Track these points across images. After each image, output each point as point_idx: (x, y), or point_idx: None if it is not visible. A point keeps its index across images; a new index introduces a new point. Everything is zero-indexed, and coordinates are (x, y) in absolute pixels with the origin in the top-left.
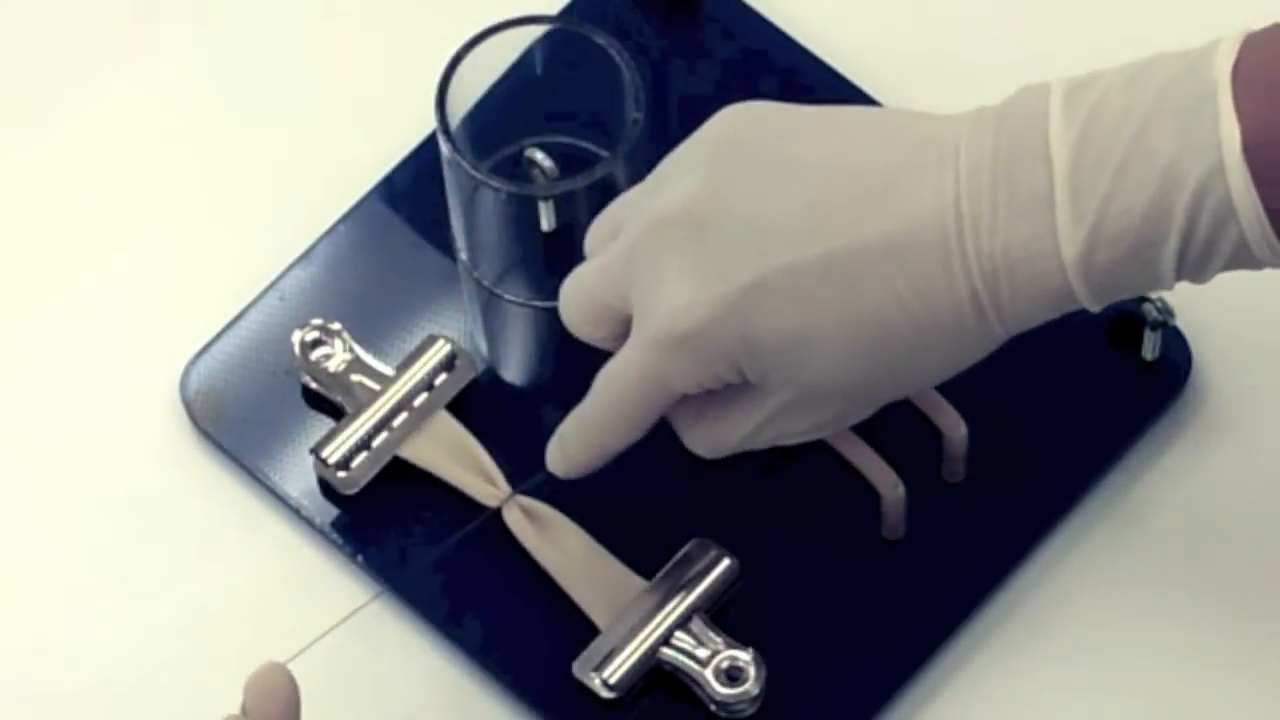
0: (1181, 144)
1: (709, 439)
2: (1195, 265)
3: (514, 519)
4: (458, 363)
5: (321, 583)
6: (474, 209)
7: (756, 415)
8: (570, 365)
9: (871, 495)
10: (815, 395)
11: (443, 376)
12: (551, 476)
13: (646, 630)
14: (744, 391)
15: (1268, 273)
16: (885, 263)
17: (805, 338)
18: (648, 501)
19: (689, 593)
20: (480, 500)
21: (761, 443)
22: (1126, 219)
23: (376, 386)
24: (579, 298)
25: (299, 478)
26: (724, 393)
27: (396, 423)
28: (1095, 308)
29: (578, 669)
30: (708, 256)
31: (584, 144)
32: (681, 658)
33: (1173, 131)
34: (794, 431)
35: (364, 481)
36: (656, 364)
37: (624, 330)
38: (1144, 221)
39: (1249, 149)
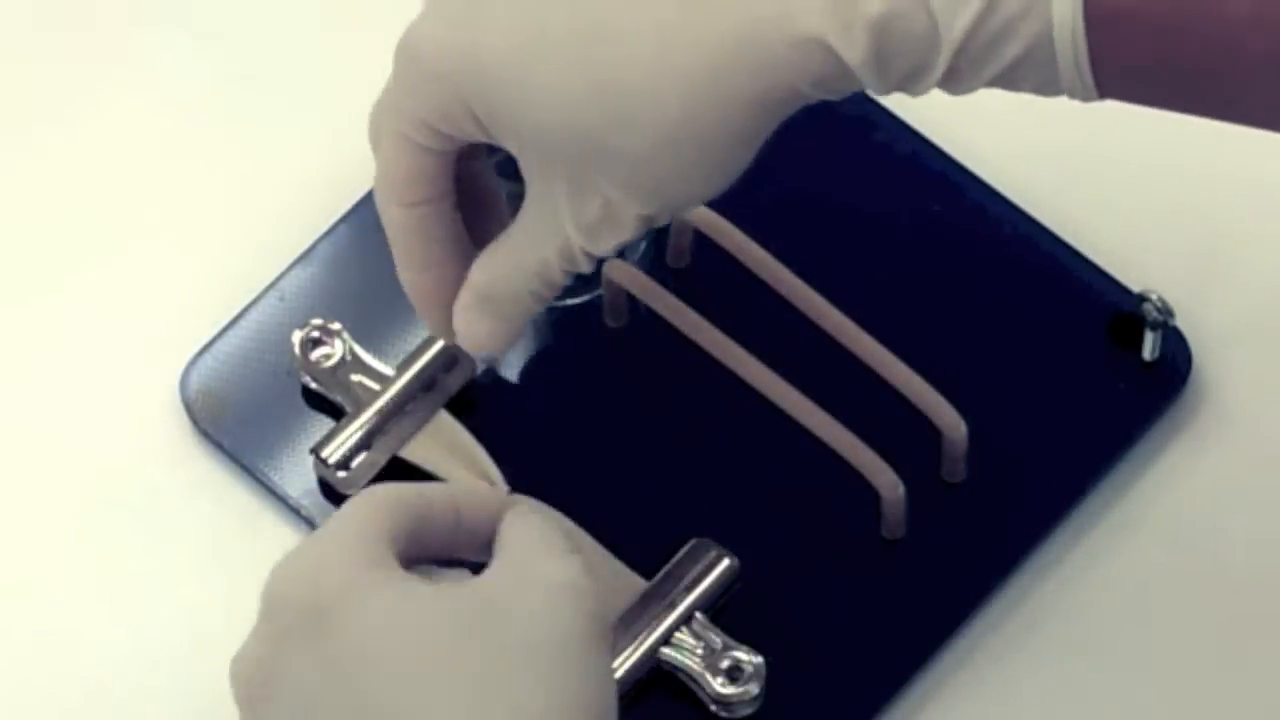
0: None
1: (482, 271)
2: (982, 48)
3: None
4: (458, 363)
5: None
6: None
7: (547, 217)
8: (570, 365)
9: (871, 495)
10: (547, 149)
11: (443, 376)
12: (550, 474)
13: (646, 630)
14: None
15: (1268, 273)
16: None
17: (532, 54)
18: (648, 501)
19: (689, 592)
20: None
21: (531, 264)
22: None
23: (376, 386)
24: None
25: (299, 478)
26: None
27: (396, 423)
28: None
29: None
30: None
31: None
32: (681, 657)
33: None
34: (553, 240)
35: (364, 481)
36: (393, 98)
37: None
38: None
39: None
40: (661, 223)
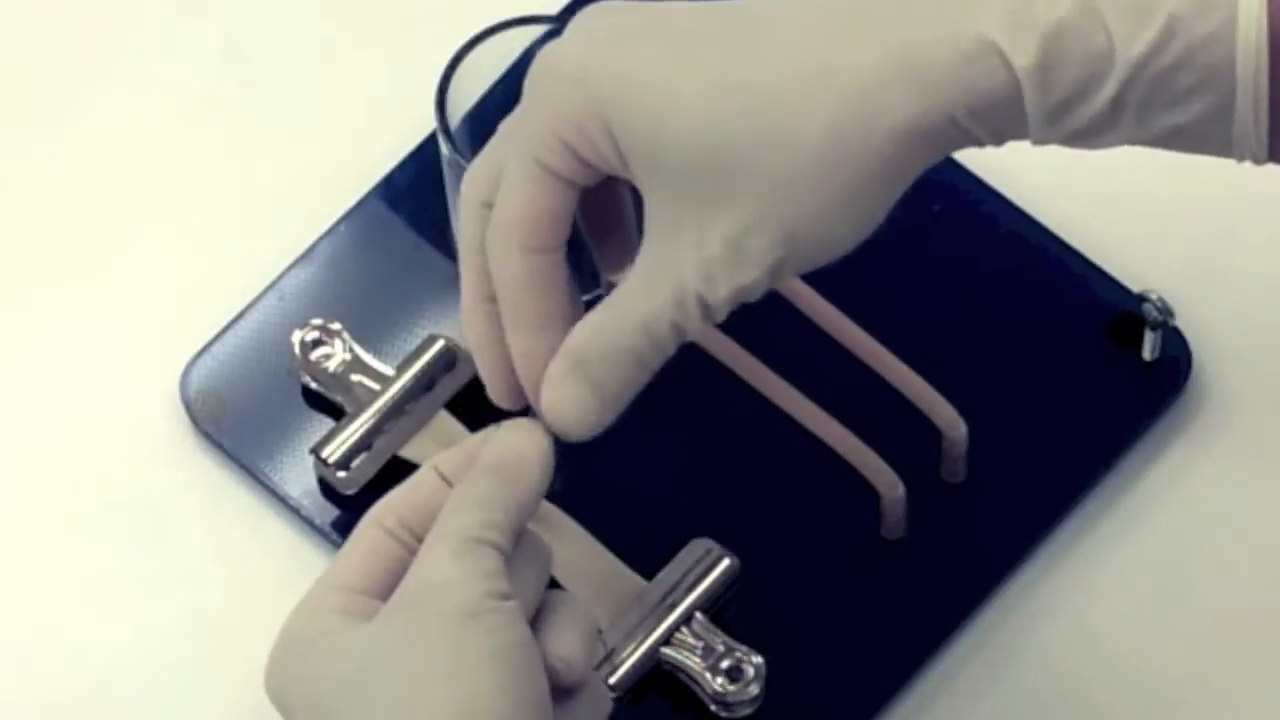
0: None
1: (601, 318)
2: (1159, 74)
3: None
4: (458, 363)
5: None
6: None
7: (671, 251)
8: None
9: (871, 495)
10: (683, 166)
11: (443, 376)
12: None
13: (646, 630)
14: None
15: (1268, 273)
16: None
17: (678, 62)
18: (648, 501)
19: (689, 592)
20: None
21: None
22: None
23: (376, 386)
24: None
25: (299, 478)
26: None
27: (396, 423)
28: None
29: None
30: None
31: None
32: (681, 657)
33: None
34: (685, 273)
35: (364, 481)
36: (524, 119)
37: None
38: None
39: None
40: (786, 273)
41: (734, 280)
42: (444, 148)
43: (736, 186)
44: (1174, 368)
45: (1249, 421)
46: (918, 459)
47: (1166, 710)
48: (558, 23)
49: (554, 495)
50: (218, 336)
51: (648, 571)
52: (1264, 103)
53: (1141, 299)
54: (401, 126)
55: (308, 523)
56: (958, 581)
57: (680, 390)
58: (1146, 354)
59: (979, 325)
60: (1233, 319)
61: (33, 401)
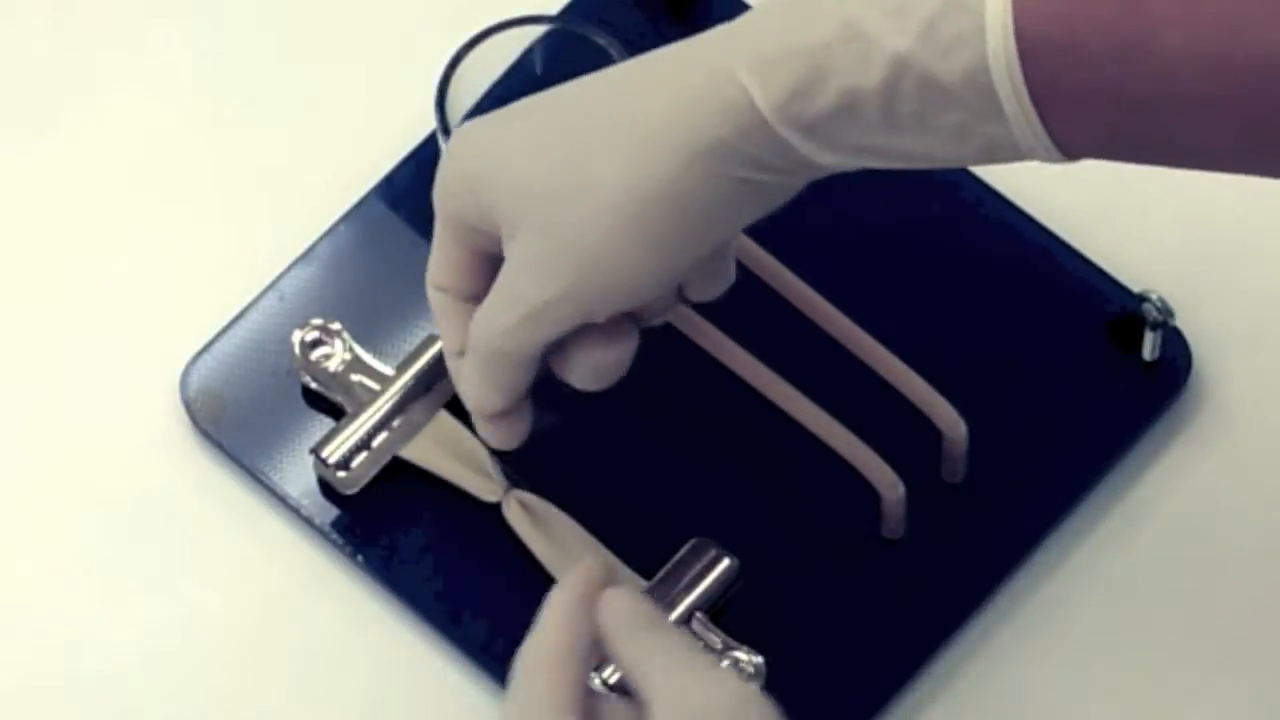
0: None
1: (487, 328)
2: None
3: (514, 514)
4: None
5: (321, 583)
6: None
7: (507, 278)
8: None
9: (871, 495)
10: (518, 212)
11: (443, 376)
12: (550, 474)
13: None
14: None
15: (1268, 274)
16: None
17: (511, 149)
18: (648, 501)
19: (689, 593)
20: (480, 496)
21: (529, 323)
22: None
23: (376, 386)
24: None
25: (299, 478)
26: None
27: (396, 423)
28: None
29: None
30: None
31: None
32: None
33: None
34: (547, 298)
35: (364, 481)
36: (437, 201)
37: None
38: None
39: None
40: (610, 305)
41: (562, 315)
42: (444, 148)
43: (547, 242)
44: (1174, 368)
45: (1249, 421)
46: (918, 459)
47: (1166, 710)
48: (558, 23)
49: (554, 495)
50: (218, 336)
51: (648, 571)
52: (1027, 102)
53: (1141, 299)
54: (401, 126)
55: (308, 523)
56: (957, 581)
57: (680, 390)
58: (1146, 354)
59: (979, 325)
60: (1233, 319)
61: (33, 401)
